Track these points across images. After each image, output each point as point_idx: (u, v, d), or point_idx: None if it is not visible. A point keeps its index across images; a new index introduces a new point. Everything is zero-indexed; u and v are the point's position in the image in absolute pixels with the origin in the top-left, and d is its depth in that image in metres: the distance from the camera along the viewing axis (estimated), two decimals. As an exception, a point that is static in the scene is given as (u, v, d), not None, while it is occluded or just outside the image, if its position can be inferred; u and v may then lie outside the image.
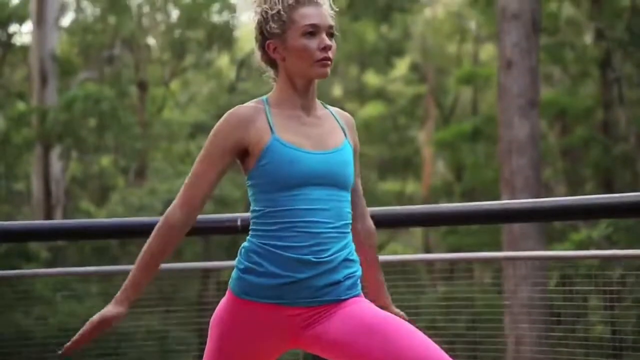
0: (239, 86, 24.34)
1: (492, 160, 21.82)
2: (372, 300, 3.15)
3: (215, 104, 23.59)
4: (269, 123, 3.00)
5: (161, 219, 3.07)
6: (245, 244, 3.05)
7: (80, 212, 22.02)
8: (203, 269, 7.89)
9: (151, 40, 26.17)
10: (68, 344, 2.97)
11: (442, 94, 27.92)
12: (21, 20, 23.43)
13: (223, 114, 3.05)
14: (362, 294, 3.10)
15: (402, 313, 3.27)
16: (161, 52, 26.05)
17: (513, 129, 13.36)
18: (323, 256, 2.97)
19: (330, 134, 3.09)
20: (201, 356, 3.13)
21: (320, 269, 2.97)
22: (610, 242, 11.34)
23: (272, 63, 3.11)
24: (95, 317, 2.99)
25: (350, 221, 3.09)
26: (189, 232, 3.11)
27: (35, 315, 9.05)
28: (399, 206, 8.15)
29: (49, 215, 19.66)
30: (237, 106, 3.04)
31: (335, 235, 3.01)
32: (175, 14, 25.67)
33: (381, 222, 4.96)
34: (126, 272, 3.14)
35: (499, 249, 14.72)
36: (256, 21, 3.07)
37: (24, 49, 23.47)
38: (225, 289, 3.10)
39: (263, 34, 3.06)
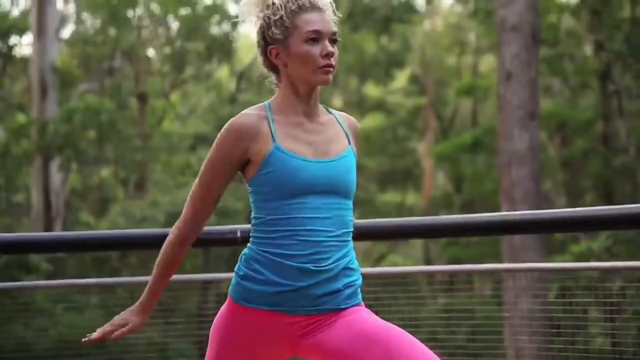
0: (239, 97, 24.36)
1: (492, 172, 21.83)
2: None
3: (216, 115, 23.60)
4: (271, 131, 2.99)
5: (172, 230, 3.09)
6: (245, 250, 3.06)
7: (80, 224, 22.00)
8: (203, 281, 7.88)
9: (151, 52, 26.21)
10: (92, 335, 3.07)
11: (442, 106, 27.95)
12: (21, 32, 23.46)
13: (224, 125, 3.04)
14: (362, 303, 3.10)
15: None
16: (161, 64, 26.08)
17: (513, 140, 13.37)
18: (323, 265, 2.97)
19: (333, 141, 3.07)
20: (201, 368, 3.13)
21: (319, 277, 2.97)
22: (610, 254, 11.35)
23: (274, 69, 3.10)
24: (117, 319, 3.06)
25: (352, 229, 3.09)
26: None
27: (35, 327, 9.04)
28: (399, 218, 8.15)
29: (48, 227, 19.65)
30: (239, 114, 3.02)
31: (336, 243, 3.01)
32: (175, 25, 25.71)
33: (381, 233, 4.98)
34: (126, 284, 3.17)
35: (499, 261, 14.73)
36: (258, 26, 3.06)
37: (24, 60, 23.50)
38: (225, 301, 3.10)
39: (265, 40, 3.05)
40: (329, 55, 3.00)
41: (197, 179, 3.06)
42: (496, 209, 15.16)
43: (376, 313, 3.12)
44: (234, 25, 24.37)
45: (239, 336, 3.04)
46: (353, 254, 3.09)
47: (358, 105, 27.39)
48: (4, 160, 20.52)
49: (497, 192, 15.00)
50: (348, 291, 3.04)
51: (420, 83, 28.28)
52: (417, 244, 25.33)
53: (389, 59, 26.50)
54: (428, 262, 24.51)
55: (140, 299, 3.12)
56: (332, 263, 2.99)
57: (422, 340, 2.94)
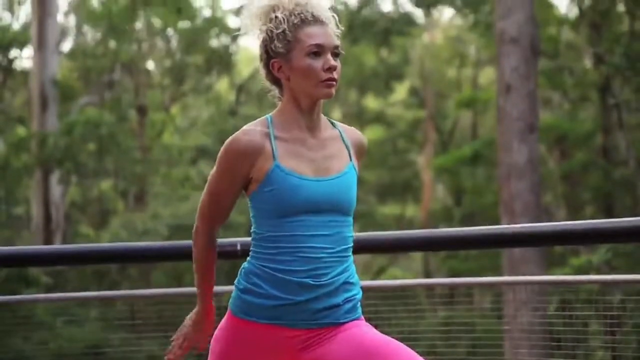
0: (239, 110, 24.38)
1: (491, 184, 21.83)
2: None
3: (216, 127, 23.62)
4: (272, 148, 2.98)
5: (196, 244, 3.13)
6: (245, 264, 3.07)
7: (79, 237, 21.99)
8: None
9: (151, 65, 26.24)
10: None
11: (442, 118, 27.96)
12: (22, 45, 23.51)
13: (225, 138, 3.04)
14: (362, 316, 3.10)
15: None
16: (161, 77, 26.11)
17: (512, 153, 13.38)
18: (322, 280, 2.98)
19: (334, 158, 3.07)
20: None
21: (319, 291, 2.97)
22: (610, 267, 11.34)
23: (276, 82, 3.09)
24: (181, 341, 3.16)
25: (352, 245, 3.09)
26: (187, 257, 3.14)
27: (35, 340, 9.02)
28: (398, 230, 8.15)
29: (48, 240, 19.64)
30: (241, 131, 3.00)
31: (336, 259, 3.01)
32: (174, 38, 25.74)
33: (381, 246, 4.97)
34: (126, 297, 3.17)
35: (499, 273, 14.71)
36: (261, 40, 3.06)
37: (25, 73, 23.54)
38: (225, 314, 3.10)
39: (268, 53, 3.04)
40: (331, 68, 2.99)
41: (206, 194, 3.07)
42: (496, 221, 15.15)
43: (376, 326, 3.12)
44: (234, 38, 24.41)
45: (238, 349, 3.04)
46: (353, 268, 3.09)
47: (358, 118, 27.39)
48: (4, 173, 20.53)
49: (497, 205, 15.00)
50: (348, 305, 3.04)
51: (419, 95, 28.31)
52: (417, 256, 25.33)
53: (388, 72, 26.52)
54: (427, 275, 24.50)
55: (195, 309, 3.21)
56: (332, 278, 3.00)
57: (421, 354, 2.94)
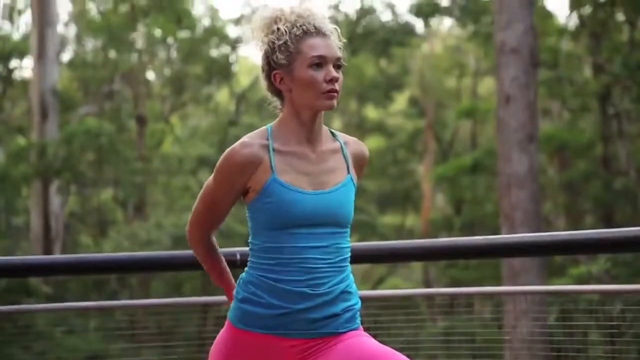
0: (239, 119, 24.40)
1: (491, 194, 21.82)
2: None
3: (216, 137, 23.64)
4: (270, 161, 2.98)
5: (197, 252, 3.22)
6: (243, 274, 3.07)
7: (79, 247, 21.99)
8: (202, 304, 7.86)
9: (151, 75, 26.27)
10: None
11: (441, 128, 27.97)
12: (22, 55, 23.53)
13: (225, 147, 3.04)
14: (361, 326, 3.10)
15: None
16: (161, 87, 26.13)
17: (512, 163, 13.37)
18: (320, 289, 2.98)
19: (333, 170, 3.07)
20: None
21: (317, 300, 2.98)
22: (610, 277, 11.33)
23: (278, 93, 3.09)
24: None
25: (349, 255, 3.09)
26: (187, 267, 3.14)
27: (35, 350, 9.01)
28: (398, 240, 8.15)
29: (48, 250, 19.62)
30: (241, 143, 3.00)
31: (334, 270, 3.02)
32: (174, 48, 25.77)
33: (380, 256, 4.97)
34: (125, 307, 3.16)
35: (500, 283, 14.70)
36: (263, 51, 3.06)
37: (25, 83, 23.54)
38: (224, 324, 3.10)
39: (270, 64, 3.04)
40: (333, 80, 2.99)
41: (201, 202, 3.09)
42: (496, 231, 15.16)
43: (375, 336, 3.12)
44: (234, 47, 24.44)
45: (237, 359, 3.04)
46: (351, 278, 3.09)
47: (358, 128, 27.41)
48: (3, 182, 20.52)
49: (497, 214, 15.00)
50: (347, 315, 3.04)
51: (419, 105, 28.32)
52: (417, 266, 25.31)
53: (388, 82, 26.56)
54: (427, 284, 24.48)
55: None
56: (330, 287, 3.00)
57: (422, 364, 2.94)
